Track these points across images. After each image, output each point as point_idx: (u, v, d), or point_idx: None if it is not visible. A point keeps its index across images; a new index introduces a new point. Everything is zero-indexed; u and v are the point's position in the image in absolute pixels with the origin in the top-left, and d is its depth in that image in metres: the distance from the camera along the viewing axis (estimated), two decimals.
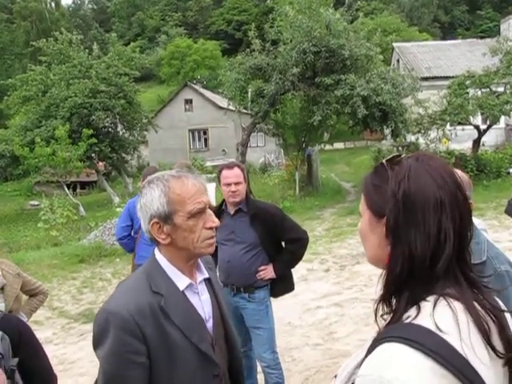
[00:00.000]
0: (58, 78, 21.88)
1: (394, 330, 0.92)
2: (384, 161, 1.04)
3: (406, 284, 0.96)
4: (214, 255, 3.39)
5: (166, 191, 1.52)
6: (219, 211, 3.48)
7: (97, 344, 1.47)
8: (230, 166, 3.40)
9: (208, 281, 1.71)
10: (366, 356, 0.92)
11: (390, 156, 1.05)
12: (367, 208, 1.06)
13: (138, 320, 1.43)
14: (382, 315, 1.01)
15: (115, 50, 23.76)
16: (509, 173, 15.91)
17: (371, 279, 7.07)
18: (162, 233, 1.54)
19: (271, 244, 3.44)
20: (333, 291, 6.79)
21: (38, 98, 21.94)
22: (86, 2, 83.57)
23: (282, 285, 3.53)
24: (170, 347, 1.48)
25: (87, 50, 23.08)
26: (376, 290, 1.02)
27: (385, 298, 1.00)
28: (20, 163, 19.30)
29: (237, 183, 3.31)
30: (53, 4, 64.15)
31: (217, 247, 3.49)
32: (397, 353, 0.87)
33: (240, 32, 57.37)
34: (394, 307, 0.98)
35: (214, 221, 1.60)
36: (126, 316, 1.42)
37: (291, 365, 4.56)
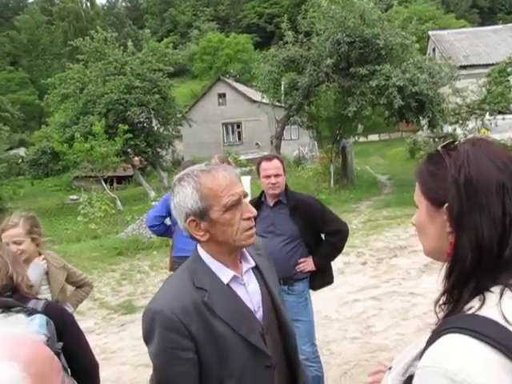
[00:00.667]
0: (95, 75, 22.39)
1: (457, 321, 0.89)
2: (439, 147, 1.02)
3: (472, 274, 0.92)
4: None
5: (198, 187, 1.49)
6: (258, 203, 3.48)
7: (146, 342, 1.51)
8: (269, 158, 3.39)
9: (256, 268, 1.68)
10: (425, 347, 0.90)
11: (445, 143, 1.02)
12: (424, 198, 1.02)
13: (182, 318, 1.44)
14: (440, 305, 0.98)
15: (149, 46, 24.12)
16: None
17: (409, 273, 6.97)
18: (199, 230, 1.52)
19: (311, 236, 3.42)
20: (370, 284, 6.72)
21: (76, 96, 22.51)
22: (120, 0, 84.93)
23: (322, 277, 3.50)
24: (218, 341, 1.47)
25: (122, 47, 23.49)
26: (438, 280, 0.99)
27: (449, 291, 0.96)
28: (60, 159, 19.87)
29: (276, 175, 3.30)
30: (88, 4, 65.56)
31: None
32: (461, 344, 0.84)
33: (272, 25, 57.19)
34: (456, 298, 0.95)
35: (252, 211, 1.56)
36: (170, 315, 1.43)
37: (329, 358, 4.54)
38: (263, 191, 3.47)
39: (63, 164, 20.14)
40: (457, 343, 0.85)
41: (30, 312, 1.85)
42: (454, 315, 0.93)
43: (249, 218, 1.55)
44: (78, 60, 24.16)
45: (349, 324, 5.41)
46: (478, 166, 0.94)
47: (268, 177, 3.30)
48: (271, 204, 3.42)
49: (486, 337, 0.83)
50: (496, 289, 0.91)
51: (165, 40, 27.39)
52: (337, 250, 3.51)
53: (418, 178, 1.05)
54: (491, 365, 0.81)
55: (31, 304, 1.99)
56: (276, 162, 3.33)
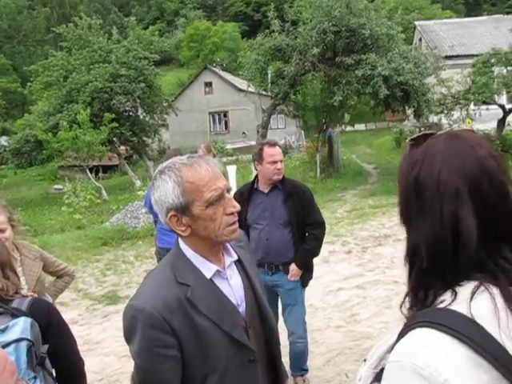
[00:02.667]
0: (79, 63, 22.02)
1: (427, 315, 0.87)
2: (407, 140, 0.97)
3: (431, 275, 0.89)
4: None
5: (179, 181, 1.44)
6: (251, 190, 3.47)
7: (128, 340, 1.47)
8: (272, 144, 3.40)
9: (238, 262, 1.65)
10: (396, 341, 0.88)
11: (416, 135, 0.97)
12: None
13: (164, 314, 1.40)
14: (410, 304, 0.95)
15: (134, 33, 23.78)
16: None
17: (393, 261, 7.02)
18: (181, 225, 1.48)
19: (297, 224, 3.46)
20: (355, 273, 6.76)
21: (60, 84, 22.12)
22: None
23: (307, 275, 3.61)
24: (201, 338, 1.45)
25: (107, 35, 23.13)
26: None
27: (413, 292, 0.93)
28: (43, 148, 19.56)
29: (281, 161, 3.36)
30: None
31: (246, 228, 3.44)
32: (429, 338, 0.82)
33: (259, 13, 56.75)
34: (421, 299, 0.92)
35: (235, 206, 1.52)
36: (152, 312, 1.40)
37: (313, 346, 4.54)
38: (256, 177, 3.46)
39: (47, 153, 19.79)
40: (425, 338, 0.83)
41: (13, 313, 1.78)
42: (425, 309, 0.90)
43: (232, 213, 1.51)
44: (62, 47, 23.77)
45: (333, 312, 5.44)
46: (431, 166, 0.88)
47: (274, 162, 3.31)
48: (266, 190, 3.43)
49: (455, 331, 0.81)
50: (468, 284, 0.88)
51: (151, 28, 27.05)
52: (320, 243, 3.58)
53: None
54: (459, 359, 0.79)
55: (15, 303, 1.88)
56: (278, 148, 3.38)
